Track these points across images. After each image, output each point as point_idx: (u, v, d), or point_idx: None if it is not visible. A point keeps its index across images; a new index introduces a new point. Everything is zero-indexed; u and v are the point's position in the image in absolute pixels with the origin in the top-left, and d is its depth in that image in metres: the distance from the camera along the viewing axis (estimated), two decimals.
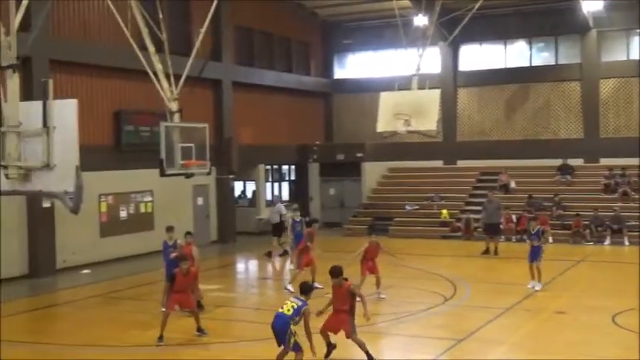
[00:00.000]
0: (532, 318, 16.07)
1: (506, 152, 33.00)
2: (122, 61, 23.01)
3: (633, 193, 29.15)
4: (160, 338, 13.95)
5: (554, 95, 33.56)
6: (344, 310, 12.28)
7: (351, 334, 12.22)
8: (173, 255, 16.56)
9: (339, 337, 12.50)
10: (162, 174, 17.71)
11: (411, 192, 32.88)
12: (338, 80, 37.96)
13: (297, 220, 21.27)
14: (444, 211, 30.86)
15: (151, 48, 18.79)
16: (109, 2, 19.25)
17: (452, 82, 34.76)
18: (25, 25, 12.58)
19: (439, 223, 30.65)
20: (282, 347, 11.58)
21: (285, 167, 35.96)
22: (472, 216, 29.21)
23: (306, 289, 11.90)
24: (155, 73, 18.43)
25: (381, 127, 25.83)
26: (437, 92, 26.21)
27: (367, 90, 34.98)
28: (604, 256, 25.14)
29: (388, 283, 18.66)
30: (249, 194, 33.82)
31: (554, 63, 33.93)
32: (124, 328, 15.55)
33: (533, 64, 34.34)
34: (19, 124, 11.52)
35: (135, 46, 19.10)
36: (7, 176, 11.58)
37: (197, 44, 19.63)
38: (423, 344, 14.23)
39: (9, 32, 11.34)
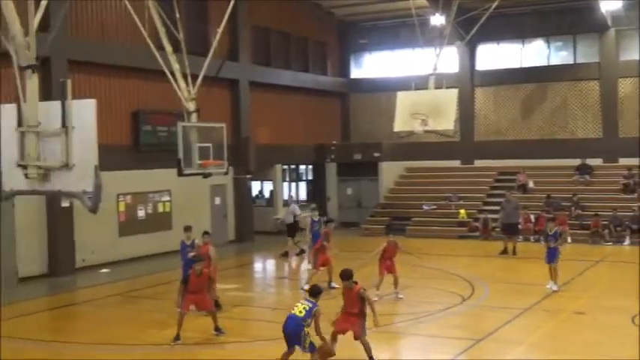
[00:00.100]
0: (551, 318, 15.99)
1: (524, 152, 32.83)
2: (140, 61, 23.10)
3: None
4: (177, 338, 14.00)
5: (572, 94, 33.35)
6: (354, 313, 12.25)
7: (360, 336, 12.16)
8: (191, 255, 16.62)
9: (345, 338, 12.42)
10: (180, 174, 17.76)
11: (429, 192, 32.80)
12: (355, 80, 37.92)
13: (316, 219, 21.28)
14: (462, 211, 30.76)
15: (169, 48, 18.85)
16: (127, 2, 19.34)
17: (469, 81, 34.63)
18: (43, 26, 12.64)
19: (457, 223, 30.55)
20: (288, 348, 11.57)
21: (302, 167, 35.98)
22: (490, 216, 29.11)
23: (315, 292, 11.93)
24: (172, 73, 18.49)
25: (398, 126, 25.78)
26: (454, 92, 26.11)
27: (384, 90, 34.95)
28: (623, 256, 24.93)
29: (406, 283, 18.62)
30: (266, 194, 33.86)
31: (572, 62, 33.70)
32: (141, 327, 15.62)
33: (550, 64, 34.14)
34: (38, 124, 11.56)
35: (152, 46, 19.17)
36: (26, 176, 11.63)
37: (214, 44, 19.65)
38: (441, 344, 14.19)
39: (28, 33, 11.39)
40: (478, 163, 34.38)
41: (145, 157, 24.83)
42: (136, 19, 19.02)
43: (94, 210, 11.31)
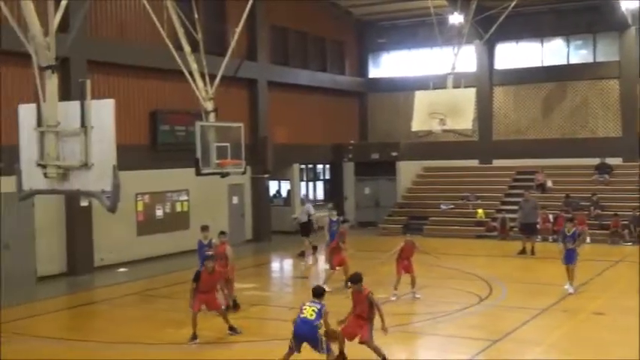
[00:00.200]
0: (569, 319, 15.90)
1: (542, 151, 32.64)
2: (158, 61, 23.21)
3: None
4: (193, 337, 14.05)
5: (592, 93, 33.12)
6: (362, 317, 12.22)
7: (367, 340, 12.10)
8: (209, 254, 16.66)
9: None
10: (198, 173, 17.83)
11: (446, 191, 32.71)
12: (372, 79, 37.88)
13: (334, 219, 21.26)
14: (480, 211, 30.64)
15: (187, 48, 18.93)
16: (146, 3, 19.44)
17: (487, 80, 34.48)
18: (63, 26, 12.72)
19: (474, 222, 30.45)
20: (292, 349, 11.54)
21: (319, 166, 35.99)
22: (508, 215, 28.99)
23: (319, 293, 11.94)
24: (191, 73, 18.56)
25: (416, 126, 25.74)
26: (472, 91, 26.03)
27: (402, 89, 34.87)
28: None
29: (423, 282, 18.58)
30: (284, 193, 33.90)
31: (592, 61, 33.47)
32: (159, 326, 15.68)
33: (570, 62, 33.92)
34: (58, 124, 11.64)
35: (171, 46, 19.26)
36: (45, 175, 11.71)
37: (232, 44, 19.70)
38: (458, 344, 14.15)
39: (48, 33, 11.47)
40: (496, 162, 34.22)
41: (162, 156, 24.93)
42: (155, 20, 19.12)
43: (112, 209, 11.37)
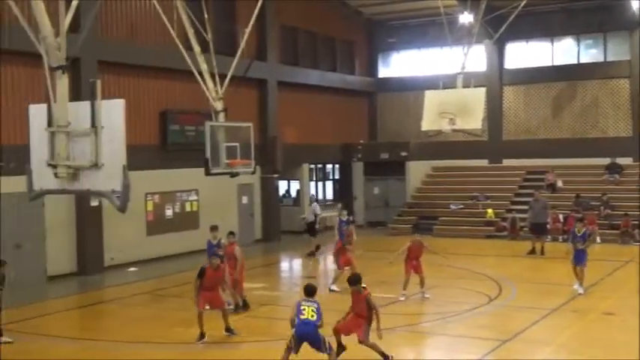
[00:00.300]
0: (579, 319, 15.86)
1: (553, 151, 32.54)
2: (168, 61, 23.28)
3: None
4: (201, 336, 14.06)
5: (603, 93, 33.00)
6: (361, 316, 12.23)
7: (364, 339, 12.10)
8: (219, 254, 16.68)
9: (349, 340, 12.41)
10: (208, 173, 17.87)
11: (456, 191, 32.66)
12: (382, 79, 37.86)
13: (344, 219, 21.31)
14: (490, 211, 30.58)
15: (197, 48, 18.97)
16: (156, 3, 19.51)
17: (497, 80, 34.40)
18: (74, 27, 12.78)
19: (484, 222, 30.39)
20: (288, 349, 11.50)
21: (329, 166, 35.99)
22: (518, 215, 28.91)
23: (311, 291, 11.92)
24: (200, 73, 18.60)
25: (425, 125, 25.74)
26: (482, 90, 26.02)
27: (411, 89, 34.86)
28: None
29: (432, 282, 18.56)
30: (293, 193, 33.93)
31: (602, 60, 33.35)
32: (168, 325, 15.71)
33: (581, 62, 33.81)
34: (68, 124, 11.70)
35: (181, 46, 19.32)
36: (56, 175, 11.77)
37: (242, 44, 19.74)
38: (468, 344, 14.14)
39: (59, 34, 11.53)
40: (506, 162, 34.14)
41: (172, 156, 24.99)
42: (165, 20, 19.18)
43: (122, 209, 11.42)
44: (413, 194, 34.18)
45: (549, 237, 26.33)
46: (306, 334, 11.47)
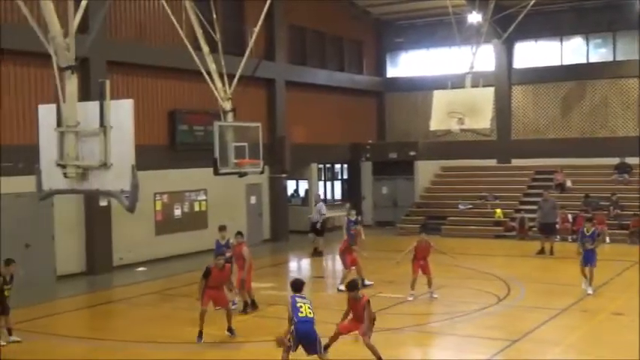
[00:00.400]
0: (589, 319, 15.82)
1: (562, 150, 32.42)
2: (177, 61, 23.32)
3: None
4: (199, 336, 14.06)
5: (612, 92, 32.90)
6: (362, 321, 12.13)
7: (366, 337, 12.00)
8: (228, 255, 16.72)
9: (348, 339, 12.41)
10: (216, 173, 17.90)
11: (465, 191, 32.59)
12: (390, 79, 37.84)
13: (353, 219, 21.29)
14: (498, 211, 30.51)
15: (205, 48, 19.00)
16: (164, 3, 19.55)
17: (506, 79, 34.32)
18: (83, 27, 12.82)
19: (493, 222, 30.32)
20: (287, 348, 11.43)
21: (337, 166, 35.98)
22: (527, 215, 28.83)
23: (300, 286, 11.94)
24: (209, 73, 18.63)
25: (434, 125, 25.70)
26: (491, 90, 25.94)
27: (420, 88, 34.84)
28: None
29: (441, 282, 18.54)
30: (301, 193, 33.93)
31: (611, 59, 33.24)
32: (177, 325, 15.73)
33: (590, 61, 33.71)
34: (77, 124, 11.72)
35: (189, 46, 19.35)
36: (65, 175, 11.79)
37: (250, 44, 19.76)
38: (476, 344, 14.11)
39: (67, 34, 11.56)
40: (515, 162, 34.02)
41: (181, 156, 25.03)
42: (174, 20, 19.22)
43: (131, 209, 11.43)
44: (421, 194, 34.13)
45: (558, 237, 26.23)
46: (307, 332, 11.40)
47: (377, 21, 37.05)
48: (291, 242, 29.52)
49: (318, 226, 26.21)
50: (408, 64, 37.76)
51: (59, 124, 11.81)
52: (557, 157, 32.08)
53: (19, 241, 19.73)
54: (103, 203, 21.78)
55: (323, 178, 34.87)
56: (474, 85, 25.33)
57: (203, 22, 19.29)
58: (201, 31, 19.04)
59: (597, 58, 33.79)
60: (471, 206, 31.60)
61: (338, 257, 20.47)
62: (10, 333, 14.34)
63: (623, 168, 30.81)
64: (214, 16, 19.81)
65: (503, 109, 33.92)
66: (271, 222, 29.93)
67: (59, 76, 11.65)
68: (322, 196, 32.58)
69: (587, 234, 18.39)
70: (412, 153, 34.27)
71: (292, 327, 11.41)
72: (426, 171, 34.49)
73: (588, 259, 18.15)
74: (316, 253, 25.71)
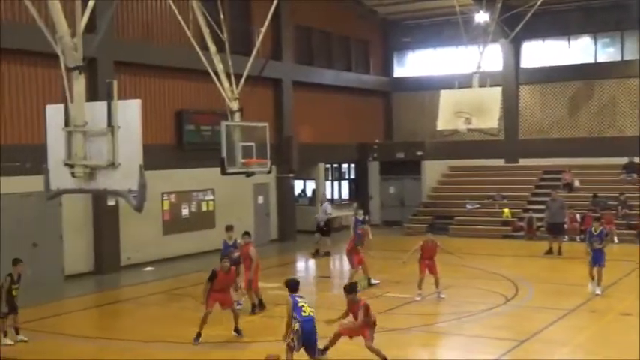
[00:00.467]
0: (597, 319, 15.78)
1: (569, 150, 32.32)
2: (184, 61, 23.36)
3: None
4: (197, 337, 14.06)
5: (620, 92, 32.80)
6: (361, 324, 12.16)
7: (368, 341, 11.98)
8: (235, 255, 16.73)
9: (348, 340, 12.41)
10: (224, 173, 17.90)
11: (472, 191, 32.53)
12: (397, 78, 37.81)
13: (360, 219, 21.24)
14: (506, 210, 30.45)
15: (212, 48, 19.02)
16: (171, 3, 19.58)
17: (513, 79, 34.25)
18: (90, 27, 12.83)
19: (501, 222, 30.26)
20: (290, 348, 11.44)
21: (345, 166, 35.97)
22: (535, 215, 28.76)
23: (296, 286, 12.04)
24: (216, 73, 18.65)
25: (441, 125, 25.68)
26: (498, 90, 25.90)
27: (427, 88, 34.79)
28: None
29: (448, 282, 18.51)
30: (309, 193, 33.93)
31: (619, 59, 33.14)
32: (185, 324, 15.71)
33: (597, 60, 33.62)
34: (85, 124, 11.74)
35: (196, 46, 19.37)
36: (73, 175, 11.81)
37: (257, 44, 19.79)
38: (484, 344, 14.08)
39: (75, 34, 11.58)
40: (523, 161, 33.96)
41: (188, 156, 25.06)
42: (181, 20, 19.25)
43: (139, 209, 11.44)
44: (429, 194, 34.09)
45: (566, 237, 26.16)
46: (310, 331, 11.42)
47: (384, 21, 37.02)
48: (299, 242, 29.51)
49: (322, 224, 26.20)
50: (415, 63, 37.72)
51: (67, 124, 11.83)
52: (565, 156, 31.99)
53: (27, 240, 19.81)
54: (111, 203, 21.83)
55: (330, 178, 34.87)
56: (482, 85, 25.31)
57: (210, 22, 19.31)
58: (208, 31, 19.06)
59: (605, 58, 33.69)
60: (478, 206, 31.54)
61: (345, 257, 20.47)
62: (17, 332, 14.39)
63: (631, 168, 30.71)
64: (221, 16, 19.83)
65: (510, 109, 33.85)
66: (278, 222, 29.94)
67: (67, 76, 11.66)
68: (329, 196, 32.61)
69: (595, 233, 18.31)
70: (419, 153, 34.24)
71: (296, 326, 11.40)
72: (433, 171, 34.45)
73: (597, 258, 18.07)
74: (317, 254, 25.69)
